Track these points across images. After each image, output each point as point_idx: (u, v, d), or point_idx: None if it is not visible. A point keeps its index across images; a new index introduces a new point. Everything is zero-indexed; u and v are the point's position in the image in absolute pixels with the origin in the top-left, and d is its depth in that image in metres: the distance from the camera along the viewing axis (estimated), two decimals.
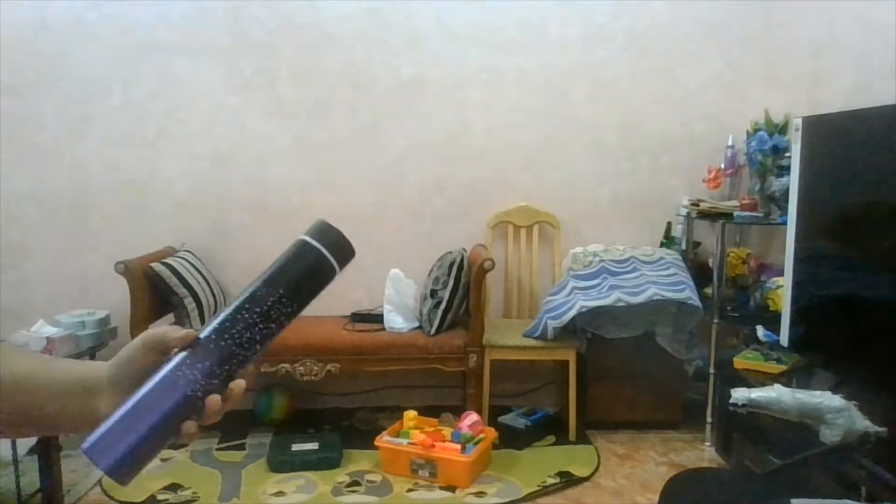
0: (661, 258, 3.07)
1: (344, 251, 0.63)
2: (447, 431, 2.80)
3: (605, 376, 3.15)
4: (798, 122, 2.28)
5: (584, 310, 2.89)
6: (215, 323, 0.60)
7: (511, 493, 2.60)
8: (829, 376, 2.33)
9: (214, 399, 0.58)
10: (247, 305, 0.60)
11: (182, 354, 0.58)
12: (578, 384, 3.08)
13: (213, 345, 0.59)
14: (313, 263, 0.62)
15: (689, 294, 2.90)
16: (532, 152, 3.41)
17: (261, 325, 0.60)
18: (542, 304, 3.08)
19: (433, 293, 3.02)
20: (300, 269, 0.62)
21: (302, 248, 0.62)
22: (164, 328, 0.61)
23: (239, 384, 0.60)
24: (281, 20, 3.28)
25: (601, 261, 3.06)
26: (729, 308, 3.02)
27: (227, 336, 0.59)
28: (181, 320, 3.01)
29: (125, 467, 0.55)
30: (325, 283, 0.62)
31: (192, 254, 3.25)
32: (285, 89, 3.33)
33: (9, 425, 0.62)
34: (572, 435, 3.08)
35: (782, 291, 2.44)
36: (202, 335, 0.59)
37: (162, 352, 0.61)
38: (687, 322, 3.02)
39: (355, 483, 2.68)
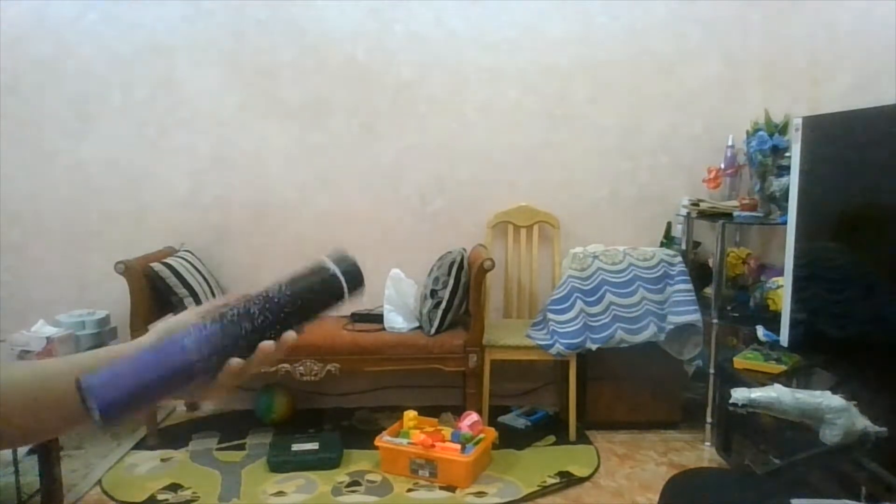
0: (661, 261, 3.06)
1: (356, 280, 0.68)
2: (447, 431, 2.80)
3: (605, 376, 3.15)
4: (798, 122, 2.28)
5: (593, 349, 3.01)
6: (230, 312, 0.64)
7: (511, 493, 2.60)
8: (829, 376, 2.33)
9: (232, 367, 0.63)
10: (261, 303, 0.64)
11: (198, 325, 0.62)
12: (578, 384, 3.08)
13: (223, 325, 0.63)
14: (328, 281, 0.67)
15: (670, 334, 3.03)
16: (532, 152, 3.41)
17: (270, 324, 0.64)
18: (547, 311, 3.05)
19: (433, 293, 3.02)
20: (314, 283, 0.67)
21: (319, 268, 0.68)
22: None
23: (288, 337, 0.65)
24: (281, 20, 3.28)
25: (599, 268, 3.04)
26: (729, 308, 3.02)
27: (237, 323, 0.63)
28: None
29: (118, 409, 0.58)
30: (333, 303, 0.68)
31: (192, 254, 3.25)
32: (285, 89, 3.33)
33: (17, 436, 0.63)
34: (572, 435, 3.08)
35: (782, 291, 2.44)
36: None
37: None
38: (686, 336, 3.04)
39: (355, 483, 2.68)
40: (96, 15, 3.24)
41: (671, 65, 3.38)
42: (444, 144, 3.39)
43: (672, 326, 2.99)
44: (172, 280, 2.97)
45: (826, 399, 1.65)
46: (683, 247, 3.25)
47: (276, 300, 0.64)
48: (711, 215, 3.06)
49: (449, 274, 3.00)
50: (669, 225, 3.39)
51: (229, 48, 3.30)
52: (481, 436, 2.78)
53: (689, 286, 3.02)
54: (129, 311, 2.88)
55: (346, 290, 0.67)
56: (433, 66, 3.35)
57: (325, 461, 2.78)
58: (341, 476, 2.72)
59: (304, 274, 0.67)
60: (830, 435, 1.62)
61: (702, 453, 3.00)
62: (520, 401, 3.44)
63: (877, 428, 1.62)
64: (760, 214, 2.95)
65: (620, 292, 3.02)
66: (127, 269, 2.86)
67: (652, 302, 3.02)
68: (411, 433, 2.78)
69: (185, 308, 2.97)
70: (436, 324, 2.99)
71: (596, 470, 2.81)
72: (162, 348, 0.61)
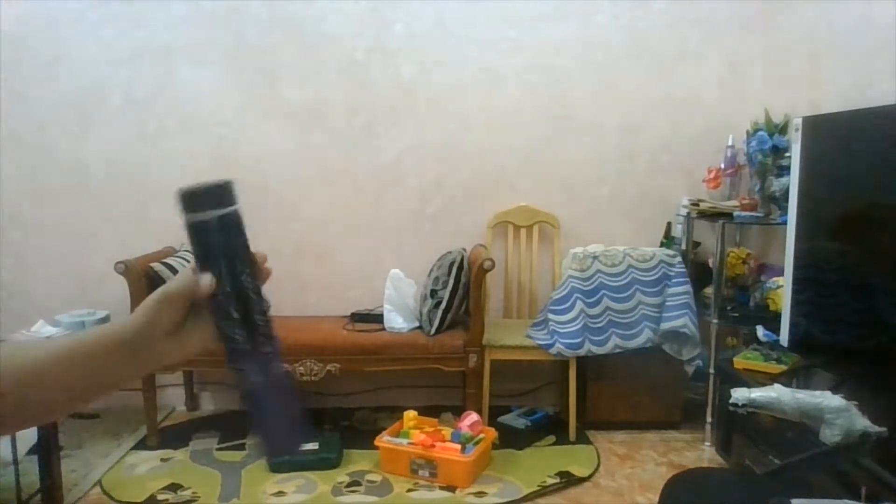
0: (660, 262, 3.05)
1: (226, 194, 0.64)
2: (447, 431, 2.80)
3: (605, 376, 3.15)
4: (798, 122, 2.29)
5: (591, 354, 3.02)
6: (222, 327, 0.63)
7: (511, 493, 2.60)
8: (829, 376, 2.33)
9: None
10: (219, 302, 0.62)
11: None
12: (578, 384, 3.08)
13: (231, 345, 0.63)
14: (221, 227, 0.63)
15: (673, 340, 3.05)
16: (532, 152, 3.41)
17: (248, 299, 0.63)
18: (548, 311, 3.04)
19: (433, 293, 3.02)
20: (218, 241, 0.63)
21: (200, 227, 0.62)
22: (176, 286, 0.61)
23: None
24: (281, 20, 3.28)
25: (598, 271, 3.04)
26: (729, 308, 3.02)
27: (232, 332, 0.63)
28: None
29: (286, 445, 0.66)
30: (242, 225, 0.65)
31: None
32: (285, 89, 3.33)
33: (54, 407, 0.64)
34: (572, 435, 3.08)
35: (782, 291, 2.44)
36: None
37: (186, 307, 0.62)
38: (684, 338, 3.03)
39: (355, 483, 2.68)
40: (96, 15, 3.24)
41: (671, 65, 3.38)
42: (443, 144, 3.39)
43: (664, 331, 3.00)
44: None
45: (826, 399, 1.65)
46: (683, 247, 3.25)
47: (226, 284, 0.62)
48: (711, 215, 3.06)
49: (449, 274, 3.00)
50: (669, 225, 3.39)
51: (229, 48, 3.30)
52: (481, 436, 2.78)
53: (686, 288, 3.02)
54: (129, 312, 2.88)
55: (235, 208, 0.64)
56: (433, 66, 3.35)
57: (325, 461, 2.78)
58: (341, 476, 2.72)
59: (202, 244, 0.63)
60: (830, 435, 1.62)
61: (702, 453, 3.00)
62: (520, 401, 3.44)
63: (877, 428, 1.62)
64: (760, 214, 2.95)
65: (617, 297, 3.03)
66: (127, 269, 2.86)
67: (648, 306, 3.03)
68: (411, 433, 2.78)
69: None
70: (436, 324, 2.99)
71: (596, 470, 2.81)
72: (251, 396, 0.63)
